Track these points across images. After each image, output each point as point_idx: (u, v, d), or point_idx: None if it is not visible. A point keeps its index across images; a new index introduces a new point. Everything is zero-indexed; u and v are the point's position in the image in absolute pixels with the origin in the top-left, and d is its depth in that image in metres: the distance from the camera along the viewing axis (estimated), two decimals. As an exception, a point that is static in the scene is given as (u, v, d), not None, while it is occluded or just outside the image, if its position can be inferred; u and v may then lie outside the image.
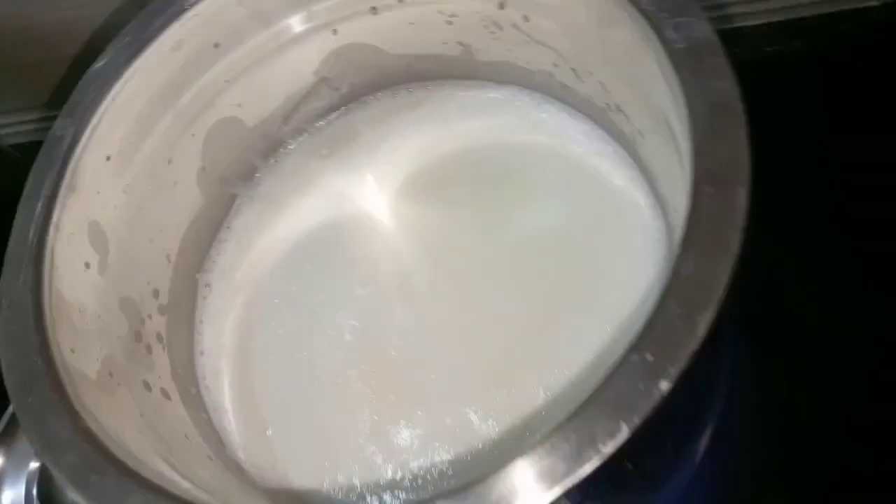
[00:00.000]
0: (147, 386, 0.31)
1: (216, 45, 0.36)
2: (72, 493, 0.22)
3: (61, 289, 0.29)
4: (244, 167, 0.41)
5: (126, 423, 0.27)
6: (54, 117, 0.56)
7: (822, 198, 0.40)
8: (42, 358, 0.26)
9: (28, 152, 0.54)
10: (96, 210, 0.32)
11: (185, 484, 0.25)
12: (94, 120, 0.31)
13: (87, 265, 0.31)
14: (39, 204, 0.29)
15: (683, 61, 0.26)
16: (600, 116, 0.37)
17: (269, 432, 0.34)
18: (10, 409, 0.46)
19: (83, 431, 0.24)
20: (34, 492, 0.45)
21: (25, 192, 0.30)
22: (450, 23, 0.38)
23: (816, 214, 0.40)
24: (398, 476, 0.32)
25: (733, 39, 0.35)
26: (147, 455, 0.26)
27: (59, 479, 0.23)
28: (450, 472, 0.31)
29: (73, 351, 0.27)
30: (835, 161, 0.41)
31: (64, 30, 0.47)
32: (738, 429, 0.36)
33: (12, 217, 0.45)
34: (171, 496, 0.22)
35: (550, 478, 0.20)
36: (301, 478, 0.33)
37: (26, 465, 0.47)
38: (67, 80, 0.52)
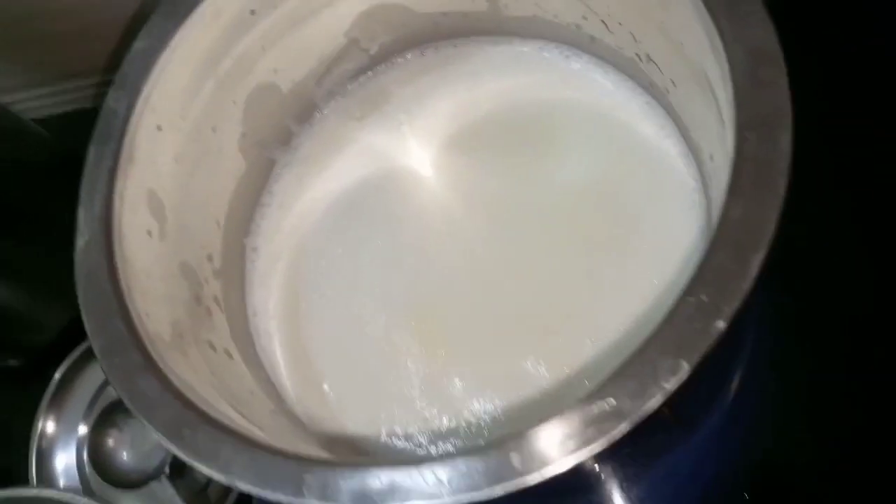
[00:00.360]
0: (212, 346, 0.33)
1: (252, 12, 0.36)
2: (168, 447, 0.24)
3: (129, 256, 0.30)
4: (282, 132, 0.41)
5: (201, 380, 0.28)
6: (73, 90, 0.57)
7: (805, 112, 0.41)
8: (123, 322, 0.27)
9: (49, 126, 0.54)
10: (153, 179, 0.32)
11: (264, 435, 0.26)
12: (145, 91, 0.32)
13: (150, 233, 0.32)
14: (102, 174, 0.30)
15: (719, 8, 0.26)
16: (630, 67, 0.37)
17: (325, 387, 0.36)
18: (57, 376, 0.48)
19: (170, 389, 0.25)
20: (85, 456, 0.47)
21: (88, 161, 0.30)
22: (478, -22, 0.38)
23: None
24: (453, 424, 0.33)
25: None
26: (224, 409, 0.27)
27: (155, 434, 0.24)
28: (503, 419, 0.32)
29: (147, 315, 0.28)
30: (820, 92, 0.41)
31: (88, 3, 0.48)
32: (765, 372, 0.37)
33: (42, 189, 0.46)
34: (260, 446, 0.24)
35: (617, 415, 0.21)
36: (358, 429, 0.34)
37: (75, 430, 0.49)
38: (87, 53, 0.52)
